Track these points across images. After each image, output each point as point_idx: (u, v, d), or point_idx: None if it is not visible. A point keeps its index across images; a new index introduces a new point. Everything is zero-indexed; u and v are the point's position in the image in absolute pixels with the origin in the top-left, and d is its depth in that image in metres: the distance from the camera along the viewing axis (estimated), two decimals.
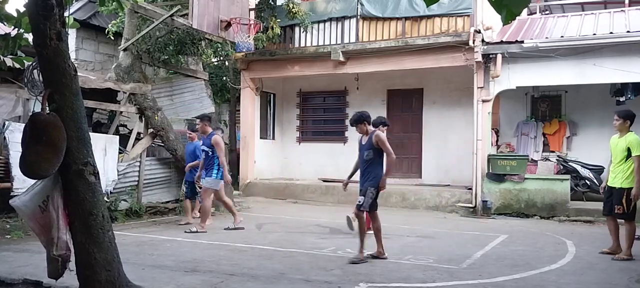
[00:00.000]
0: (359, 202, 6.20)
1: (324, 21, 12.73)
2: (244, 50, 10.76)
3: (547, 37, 10.77)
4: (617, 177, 6.59)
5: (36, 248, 5.82)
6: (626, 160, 6.50)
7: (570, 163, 11.51)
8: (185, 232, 8.03)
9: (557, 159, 11.85)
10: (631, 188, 6.47)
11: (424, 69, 12.30)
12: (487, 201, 10.92)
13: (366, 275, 5.45)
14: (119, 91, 9.95)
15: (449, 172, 13.05)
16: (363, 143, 6.38)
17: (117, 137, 9.56)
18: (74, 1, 11.91)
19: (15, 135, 7.42)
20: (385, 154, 6.22)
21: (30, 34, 4.07)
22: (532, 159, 11.86)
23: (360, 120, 6.33)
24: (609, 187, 6.73)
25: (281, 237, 7.87)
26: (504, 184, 10.95)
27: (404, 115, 13.94)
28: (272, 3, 12.84)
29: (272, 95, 15.28)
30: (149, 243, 7.06)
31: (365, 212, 6.27)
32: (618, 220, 6.73)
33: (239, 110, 14.70)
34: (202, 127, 8.42)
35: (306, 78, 14.20)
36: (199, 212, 8.79)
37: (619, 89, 11.22)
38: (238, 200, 12.03)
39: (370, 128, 6.43)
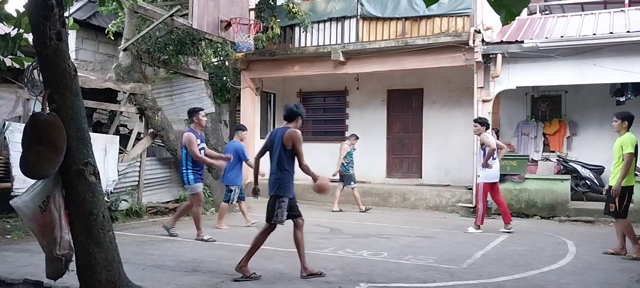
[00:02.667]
0: None
1: (324, 21, 12.71)
2: (244, 50, 10.74)
3: (547, 37, 10.75)
4: (615, 177, 6.66)
5: (36, 248, 5.80)
6: (623, 160, 6.56)
7: (570, 164, 11.50)
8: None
9: (557, 159, 11.84)
10: (628, 186, 6.54)
11: (424, 69, 12.29)
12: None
13: (366, 275, 5.45)
14: (119, 91, 9.95)
15: (449, 172, 13.04)
16: None
17: (117, 137, 9.55)
18: (74, 1, 11.90)
19: (15, 135, 7.41)
20: None
21: (30, 34, 4.07)
22: (532, 159, 11.85)
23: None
24: (609, 187, 6.79)
25: (281, 237, 7.81)
26: (504, 184, 10.92)
27: (404, 115, 13.94)
28: (272, 3, 12.83)
29: (272, 95, 15.28)
30: (149, 243, 7.07)
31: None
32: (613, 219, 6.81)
33: (239, 110, 14.69)
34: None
35: (306, 78, 14.20)
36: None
37: (619, 89, 11.22)
38: None
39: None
